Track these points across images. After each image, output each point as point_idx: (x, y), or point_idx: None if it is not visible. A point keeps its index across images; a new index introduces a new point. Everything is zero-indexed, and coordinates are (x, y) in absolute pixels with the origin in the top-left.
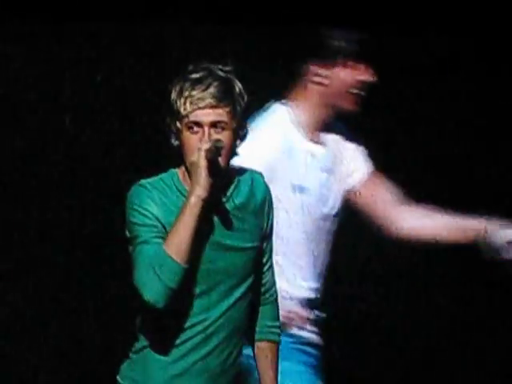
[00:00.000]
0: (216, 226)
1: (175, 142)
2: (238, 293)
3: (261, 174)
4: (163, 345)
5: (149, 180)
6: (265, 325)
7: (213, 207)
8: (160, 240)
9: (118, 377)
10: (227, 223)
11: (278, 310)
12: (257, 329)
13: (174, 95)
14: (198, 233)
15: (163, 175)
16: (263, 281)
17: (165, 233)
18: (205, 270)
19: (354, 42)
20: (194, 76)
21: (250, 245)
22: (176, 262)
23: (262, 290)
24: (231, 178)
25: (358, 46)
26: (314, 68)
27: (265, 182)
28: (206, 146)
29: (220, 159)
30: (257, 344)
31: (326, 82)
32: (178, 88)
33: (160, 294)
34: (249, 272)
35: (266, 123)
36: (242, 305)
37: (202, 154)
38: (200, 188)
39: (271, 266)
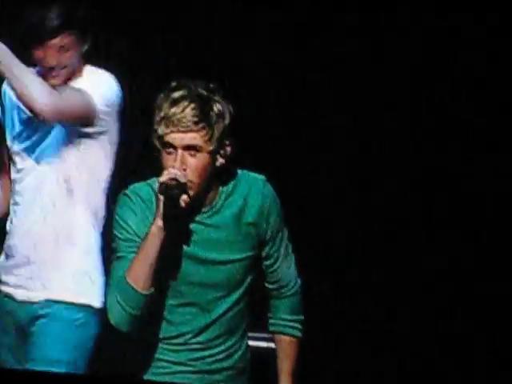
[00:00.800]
0: (198, 241)
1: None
2: (230, 300)
3: (263, 180)
4: (157, 347)
5: (136, 186)
6: (281, 318)
7: (195, 222)
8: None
9: None
10: (211, 238)
11: (298, 304)
12: (272, 321)
13: (155, 113)
14: (176, 251)
15: (153, 180)
16: (274, 279)
17: None
18: (188, 283)
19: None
20: (173, 95)
21: (240, 256)
22: (135, 290)
23: (276, 286)
24: (222, 190)
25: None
26: None
27: (265, 188)
28: (163, 178)
29: (193, 183)
30: (274, 336)
31: None
32: (157, 106)
33: (122, 319)
34: (242, 280)
35: None
36: (236, 309)
37: (160, 186)
38: (159, 219)
39: (283, 265)
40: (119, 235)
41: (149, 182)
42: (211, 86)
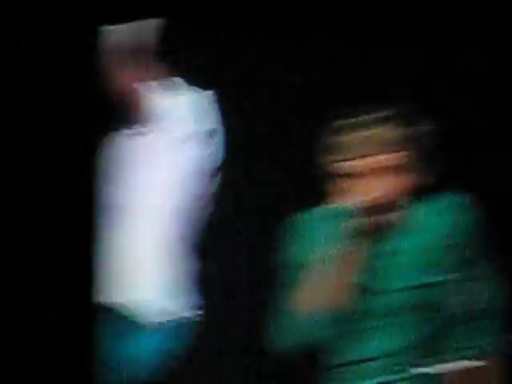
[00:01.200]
0: (385, 267)
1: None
2: (419, 325)
3: (459, 199)
4: (338, 373)
5: (303, 213)
6: (482, 341)
7: (382, 247)
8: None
9: None
10: (400, 262)
11: (498, 325)
12: (474, 344)
13: (336, 138)
14: (356, 277)
15: (319, 207)
16: (472, 301)
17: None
18: (371, 309)
19: None
20: (361, 119)
21: (432, 280)
22: (307, 317)
23: (476, 307)
24: (412, 212)
25: None
26: None
27: (461, 208)
28: (357, 203)
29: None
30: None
31: None
32: (340, 131)
33: (293, 347)
34: (434, 304)
35: None
36: (422, 336)
37: (359, 211)
38: (344, 243)
39: (482, 287)
40: (287, 263)
41: (316, 209)
42: (398, 109)
